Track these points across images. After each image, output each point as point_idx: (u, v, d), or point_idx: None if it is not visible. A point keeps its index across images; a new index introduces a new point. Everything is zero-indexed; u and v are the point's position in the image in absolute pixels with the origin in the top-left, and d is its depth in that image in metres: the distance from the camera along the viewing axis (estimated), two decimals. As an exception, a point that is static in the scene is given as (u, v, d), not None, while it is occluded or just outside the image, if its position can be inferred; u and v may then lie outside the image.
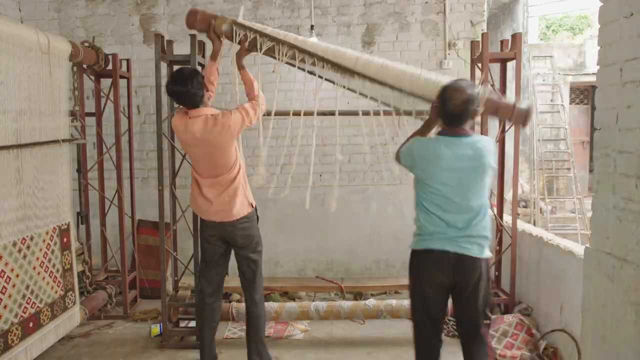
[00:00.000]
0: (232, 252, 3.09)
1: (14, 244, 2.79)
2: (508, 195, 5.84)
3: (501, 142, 3.80)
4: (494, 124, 5.10)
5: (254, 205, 3.03)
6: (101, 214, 4.31)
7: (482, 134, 3.60)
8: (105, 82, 4.21)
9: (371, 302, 3.61)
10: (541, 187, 8.91)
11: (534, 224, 7.87)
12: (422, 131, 2.56)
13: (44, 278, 3.05)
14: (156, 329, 3.72)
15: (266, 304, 3.60)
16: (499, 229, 3.80)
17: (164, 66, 3.51)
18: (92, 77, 4.10)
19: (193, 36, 3.35)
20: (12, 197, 2.77)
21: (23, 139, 2.87)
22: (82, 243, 3.94)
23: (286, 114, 3.34)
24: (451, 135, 2.37)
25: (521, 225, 3.93)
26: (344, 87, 3.02)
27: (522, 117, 2.65)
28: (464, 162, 2.32)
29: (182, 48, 3.87)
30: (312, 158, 3.10)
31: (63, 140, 3.23)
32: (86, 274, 3.89)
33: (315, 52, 2.93)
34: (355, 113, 3.14)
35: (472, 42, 3.89)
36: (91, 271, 4.00)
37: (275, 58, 2.99)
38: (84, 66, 3.77)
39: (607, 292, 2.16)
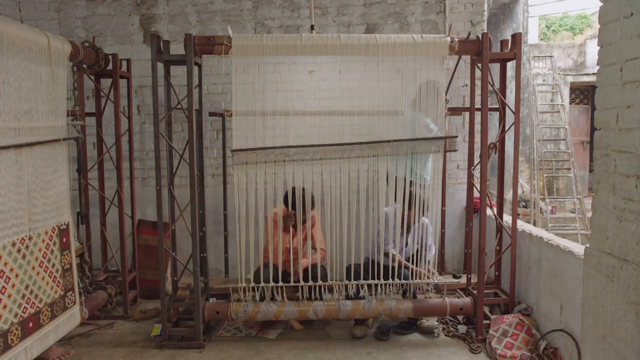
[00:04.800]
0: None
1: (13, 244, 2.79)
2: (508, 195, 5.85)
3: (501, 142, 3.80)
4: (494, 124, 5.10)
5: None
6: (101, 214, 4.31)
7: (481, 133, 3.61)
8: (105, 82, 4.21)
9: (370, 303, 3.60)
10: (541, 187, 8.91)
11: (534, 224, 7.88)
12: None
13: (43, 278, 3.05)
14: (157, 328, 3.72)
15: (264, 304, 3.60)
16: (499, 229, 3.80)
17: (160, 66, 3.50)
18: (92, 77, 4.09)
19: (188, 35, 3.35)
20: (11, 196, 2.77)
21: (23, 138, 2.86)
22: (82, 243, 3.94)
23: (286, 113, 3.35)
24: None
25: (521, 225, 3.93)
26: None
27: None
28: None
29: (182, 48, 3.87)
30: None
31: (64, 139, 3.23)
32: (86, 274, 3.89)
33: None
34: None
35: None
36: (91, 271, 4.00)
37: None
38: (84, 66, 3.77)
39: (607, 292, 2.16)
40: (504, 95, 3.75)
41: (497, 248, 3.82)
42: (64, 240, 3.30)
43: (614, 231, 2.13)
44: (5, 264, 2.72)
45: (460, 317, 3.86)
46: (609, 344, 2.16)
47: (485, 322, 3.57)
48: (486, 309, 3.71)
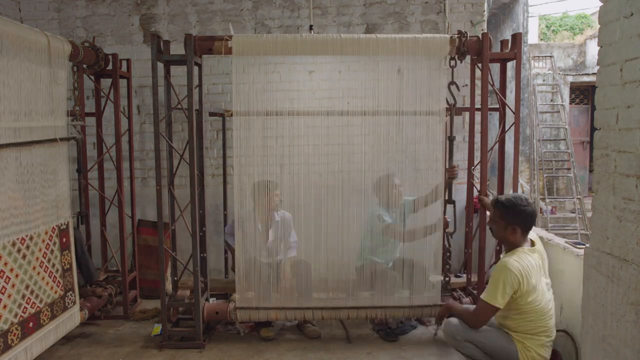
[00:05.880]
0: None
1: (13, 244, 2.79)
2: (508, 195, 5.82)
3: (501, 142, 3.80)
4: (494, 124, 5.10)
5: None
6: (101, 214, 4.31)
7: (481, 133, 3.61)
8: (105, 82, 4.21)
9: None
10: (541, 187, 8.92)
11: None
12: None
13: (43, 278, 3.05)
14: (157, 328, 3.72)
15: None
16: (499, 229, 3.79)
17: (160, 66, 3.50)
18: (92, 77, 4.09)
19: (188, 35, 3.35)
20: (11, 196, 2.77)
21: (22, 138, 2.87)
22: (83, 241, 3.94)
23: (286, 113, 3.34)
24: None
25: (521, 225, 3.92)
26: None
27: None
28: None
29: (182, 48, 3.88)
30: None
31: (61, 139, 3.23)
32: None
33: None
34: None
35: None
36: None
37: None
38: (84, 66, 3.77)
39: (607, 292, 2.16)
40: (504, 95, 3.74)
41: (498, 248, 3.82)
42: (64, 240, 3.30)
43: (614, 231, 2.13)
44: (6, 264, 2.72)
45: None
46: (609, 344, 2.16)
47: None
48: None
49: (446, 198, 3.58)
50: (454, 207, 3.57)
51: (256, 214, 3.71)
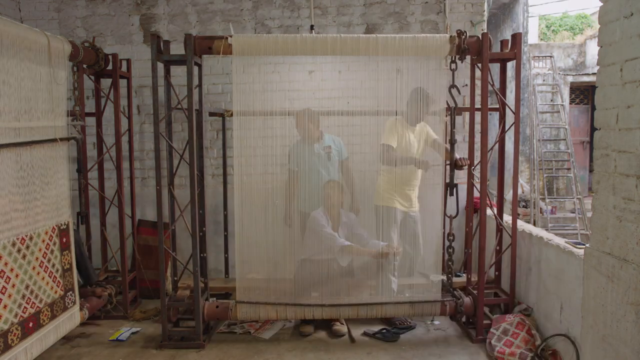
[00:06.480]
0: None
1: (13, 244, 2.79)
2: (508, 195, 5.84)
3: (501, 142, 3.80)
4: (494, 124, 5.10)
5: None
6: (101, 214, 4.31)
7: (481, 133, 3.61)
8: (105, 82, 4.21)
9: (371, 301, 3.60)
10: (541, 187, 8.92)
11: (534, 224, 7.87)
12: None
13: (43, 278, 3.05)
14: (117, 333, 3.73)
15: (264, 304, 3.59)
16: (499, 228, 3.80)
17: (160, 66, 3.50)
18: (92, 77, 4.10)
19: (188, 35, 3.35)
20: (11, 197, 2.77)
21: (22, 138, 2.87)
22: (82, 243, 3.93)
23: (286, 113, 3.34)
24: None
25: (521, 225, 3.93)
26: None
27: None
28: None
29: (182, 48, 3.88)
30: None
31: (61, 139, 3.23)
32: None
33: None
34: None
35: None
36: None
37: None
38: (84, 66, 3.77)
39: (607, 292, 2.17)
40: (504, 95, 3.75)
41: (497, 248, 3.82)
42: (64, 240, 3.30)
43: (614, 231, 2.13)
44: (6, 264, 2.72)
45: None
46: (608, 344, 2.16)
47: (485, 322, 3.57)
48: (486, 309, 3.71)
49: (447, 181, 3.55)
50: (456, 190, 3.52)
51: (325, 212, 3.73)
